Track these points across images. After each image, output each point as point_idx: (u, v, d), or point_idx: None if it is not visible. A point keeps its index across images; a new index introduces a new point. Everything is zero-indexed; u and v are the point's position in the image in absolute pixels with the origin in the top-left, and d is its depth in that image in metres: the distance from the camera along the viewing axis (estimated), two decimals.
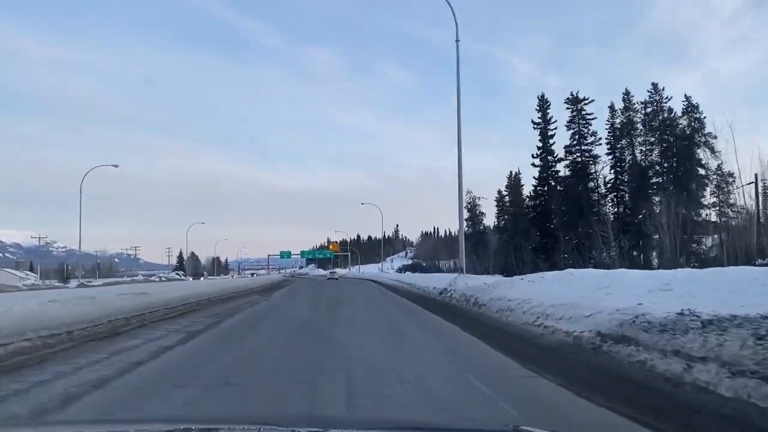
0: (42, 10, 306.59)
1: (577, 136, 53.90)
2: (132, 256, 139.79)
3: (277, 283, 46.88)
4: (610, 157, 52.85)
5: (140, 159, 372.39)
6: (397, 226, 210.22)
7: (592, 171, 54.18)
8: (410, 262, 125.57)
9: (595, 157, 53.65)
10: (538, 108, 55.20)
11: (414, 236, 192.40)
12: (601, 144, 53.28)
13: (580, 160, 53.89)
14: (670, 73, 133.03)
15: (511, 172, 67.94)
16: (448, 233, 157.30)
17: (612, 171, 52.94)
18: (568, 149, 54.50)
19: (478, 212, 79.08)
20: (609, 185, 53.31)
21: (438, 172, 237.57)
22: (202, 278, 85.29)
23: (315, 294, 26.90)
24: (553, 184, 55.67)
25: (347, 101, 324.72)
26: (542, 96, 55.56)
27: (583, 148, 53.70)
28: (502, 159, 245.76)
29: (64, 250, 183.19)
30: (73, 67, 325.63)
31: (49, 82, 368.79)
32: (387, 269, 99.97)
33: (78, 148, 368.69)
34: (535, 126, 55.17)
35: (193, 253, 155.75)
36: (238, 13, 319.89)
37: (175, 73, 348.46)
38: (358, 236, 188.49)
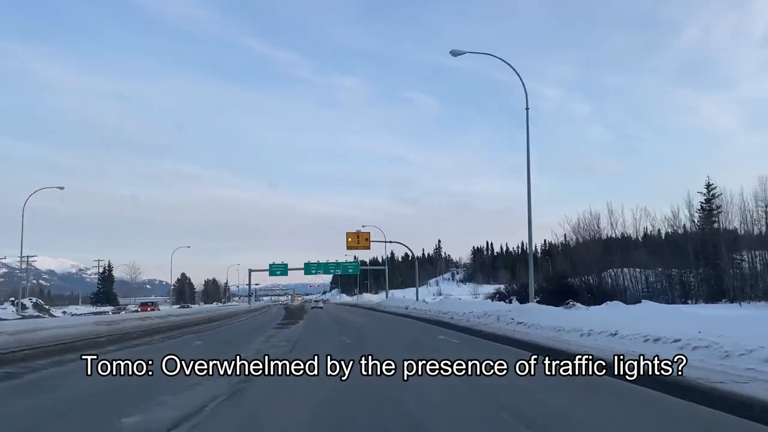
0: (74, 42, 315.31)
1: None
2: (160, 282, 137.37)
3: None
4: None
5: (169, 186, 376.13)
6: (439, 242, 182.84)
7: None
8: (465, 283, 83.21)
9: None
10: None
11: (455, 256, 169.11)
12: None
13: None
14: None
15: None
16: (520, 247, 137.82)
17: None
18: None
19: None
20: None
21: (468, 197, 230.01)
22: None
23: None
24: None
25: (373, 128, 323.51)
26: None
27: None
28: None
29: (97, 276, 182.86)
30: (103, 98, 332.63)
31: (80, 112, 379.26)
32: (425, 295, 70.56)
33: (110, 177, 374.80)
34: None
35: (183, 275, 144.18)
36: (267, 44, 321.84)
37: (198, 103, 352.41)
38: (392, 254, 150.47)
